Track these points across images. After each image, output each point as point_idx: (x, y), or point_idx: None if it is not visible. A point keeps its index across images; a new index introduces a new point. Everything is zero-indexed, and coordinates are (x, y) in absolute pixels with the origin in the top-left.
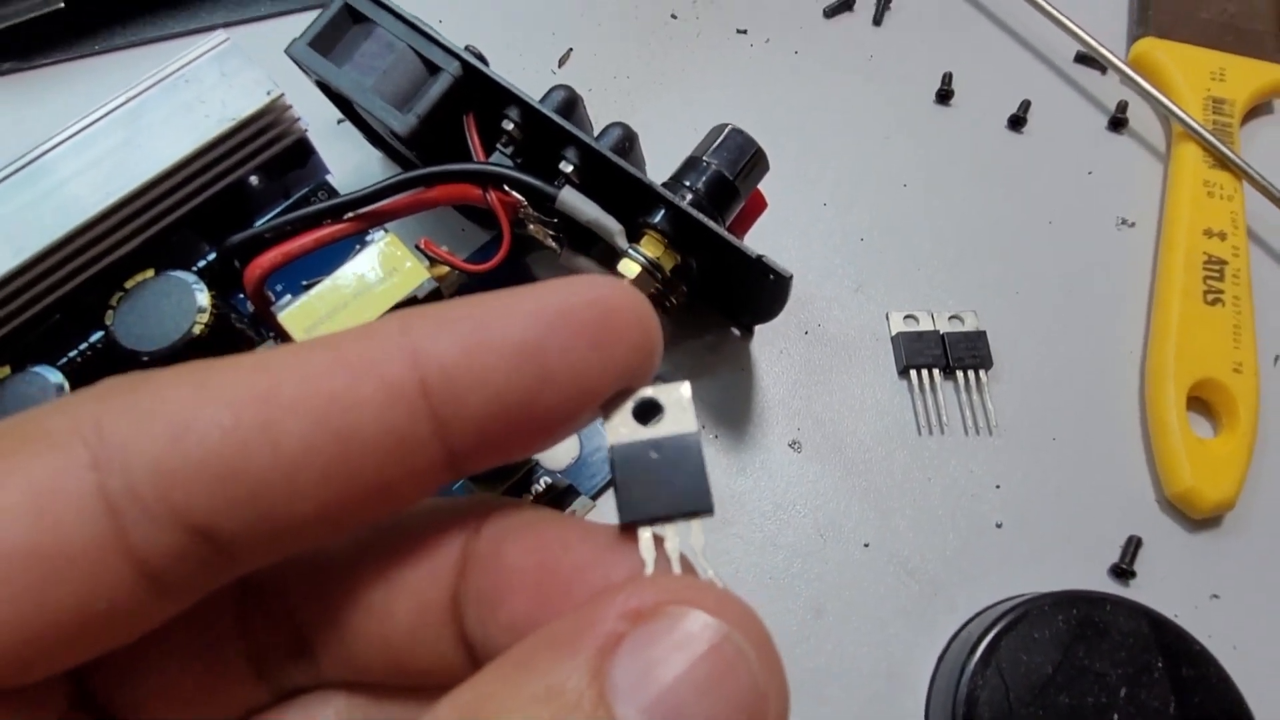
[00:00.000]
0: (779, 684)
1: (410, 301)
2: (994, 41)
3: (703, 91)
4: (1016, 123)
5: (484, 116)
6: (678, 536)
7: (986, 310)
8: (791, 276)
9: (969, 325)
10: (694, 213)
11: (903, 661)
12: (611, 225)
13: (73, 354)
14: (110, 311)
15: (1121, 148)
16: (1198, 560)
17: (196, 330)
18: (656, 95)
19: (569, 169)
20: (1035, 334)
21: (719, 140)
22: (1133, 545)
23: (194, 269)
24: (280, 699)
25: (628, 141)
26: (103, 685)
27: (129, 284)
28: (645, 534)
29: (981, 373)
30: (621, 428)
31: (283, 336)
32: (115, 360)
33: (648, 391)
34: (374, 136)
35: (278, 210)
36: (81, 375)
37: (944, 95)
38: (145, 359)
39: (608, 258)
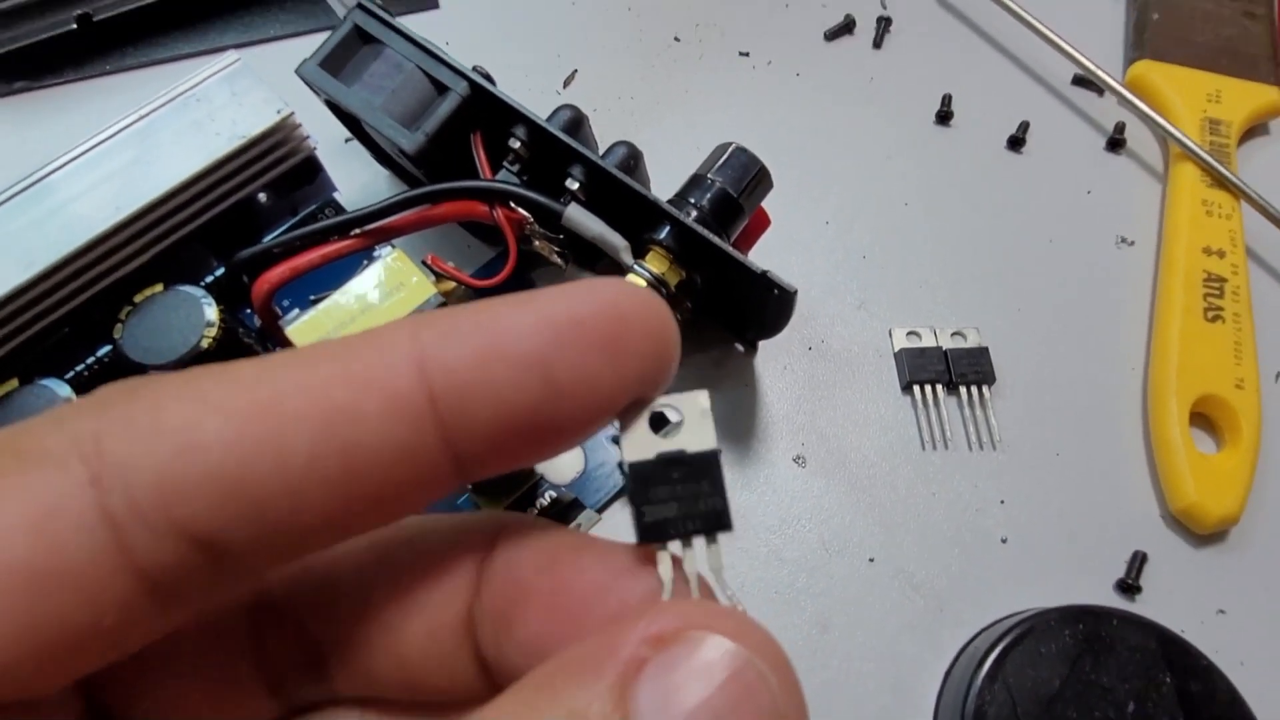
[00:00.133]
0: (799, 707)
1: None
2: (992, 64)
3: (705, 112)
4: (1015, 143)
5: (491, 135)
6: (695, 555)
7: (988, 327)
8: (796, 291)
9: (971, 341)
10: (699, 229)
11: (909, 677)
12: (617, 241)
13: (81, 367)
14: (119, 325)
15: (1120, 168)
16: (1203, 576)
17: (204, 344)
18: (660, 116)
19: (575, 186)
20: (1037, 350)
21: (723, 158)
22: (1138, 560)
23: (202, 284)
24: (292, 714)
25: (633, 160)
26: (116, 699)
27: (138, 298)
28: (664, 554)
29: (984, 388)
30: (638, 443)
31: None
32: (123, 374)
33: (665, 401)
34: (381, 155)
35: (285, 227)
36: (89, 389)
37: (944, 116)
38: (153, 373)
39: (613, 273)
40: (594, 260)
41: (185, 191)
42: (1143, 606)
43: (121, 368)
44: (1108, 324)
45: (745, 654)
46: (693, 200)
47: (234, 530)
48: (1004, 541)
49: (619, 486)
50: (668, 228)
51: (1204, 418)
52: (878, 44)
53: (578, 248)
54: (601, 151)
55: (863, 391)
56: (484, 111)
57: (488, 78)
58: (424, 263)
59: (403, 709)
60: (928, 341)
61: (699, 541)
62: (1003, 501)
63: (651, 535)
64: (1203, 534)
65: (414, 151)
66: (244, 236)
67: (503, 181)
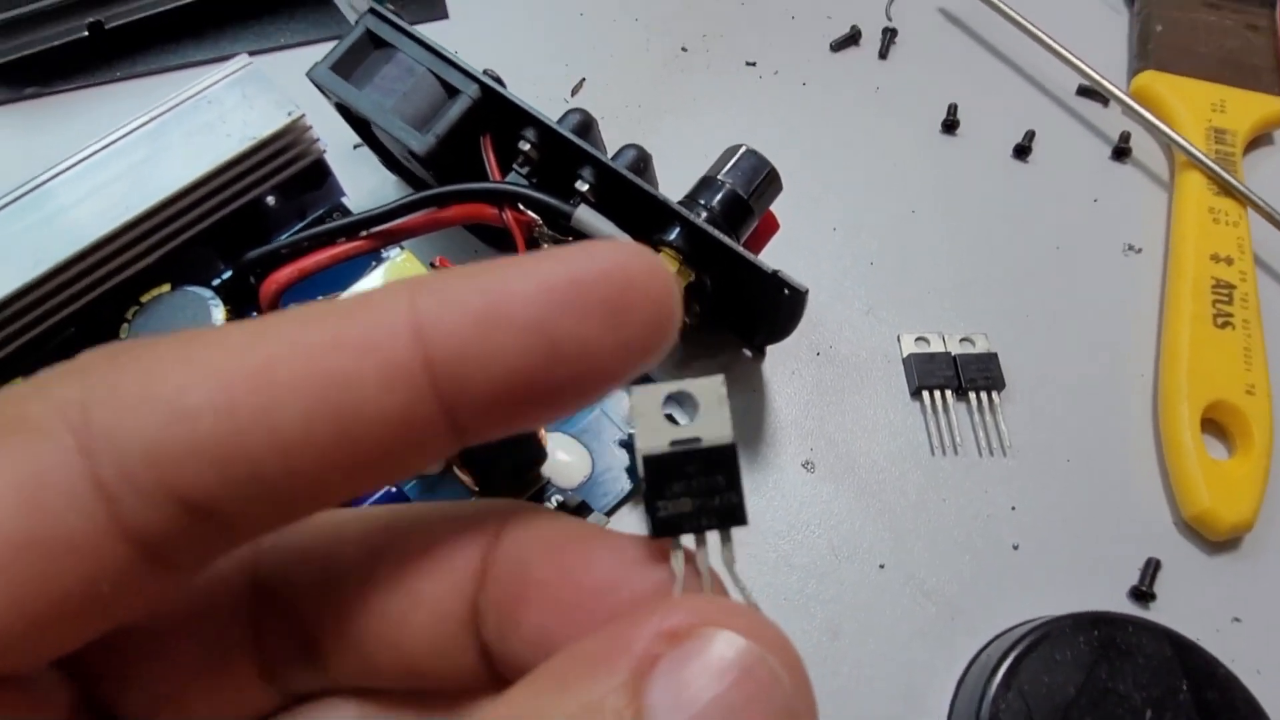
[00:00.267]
0: (810, 706)
1: None
2: (997, 74)
3: (712, 121)
4: (1021, 152)
5: (500, 138)
6: (708, 549)
7: (997, 333)
8: (807, 291)
9: (980, 347)
10: (710, 229)
11: (922, 684)
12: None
13: None
14: (125, 325)
15: (1125, 176)
16: (1217, 583)
17: None
18: (667, 124)
19: (584, 188)
20: (1047, 356)
21: (734, 160)
22: (1152, 567)
23: (210, 285)
24: (289, 704)
25: (642, 162)
26: (110, 690)
27: (145, 298)
28: (678, 548)
29: (994, 394)
30: (653, 430)
31: None
32: None
33: (681, 386)
34: (390, 160)
35: (294, 230)
36: None
37: (950, 125)
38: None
39: None
40: None
41: (195, 192)
42: (1157, 614)
43: None
44: (1116, 330)
45: (758, 651)
46: (703, 201)
47: (227, 495)
48: (1015, 548)
49: (627, 490)
50: (678, 229)
51: (1215, 424)
52: (883, 55)
53: None
54: (611, 155)
55: (871, 397)
56: (494, 114)
57: (498, 80)
58: (432, 265)
59: (401, 698)
60: (936, 347)
61: (713, 536)
62: (1014, 507)
63: (665, 530)
64: (1216, 541)
65: (424, 153)
66: (252, 239)
67: (511, 183)
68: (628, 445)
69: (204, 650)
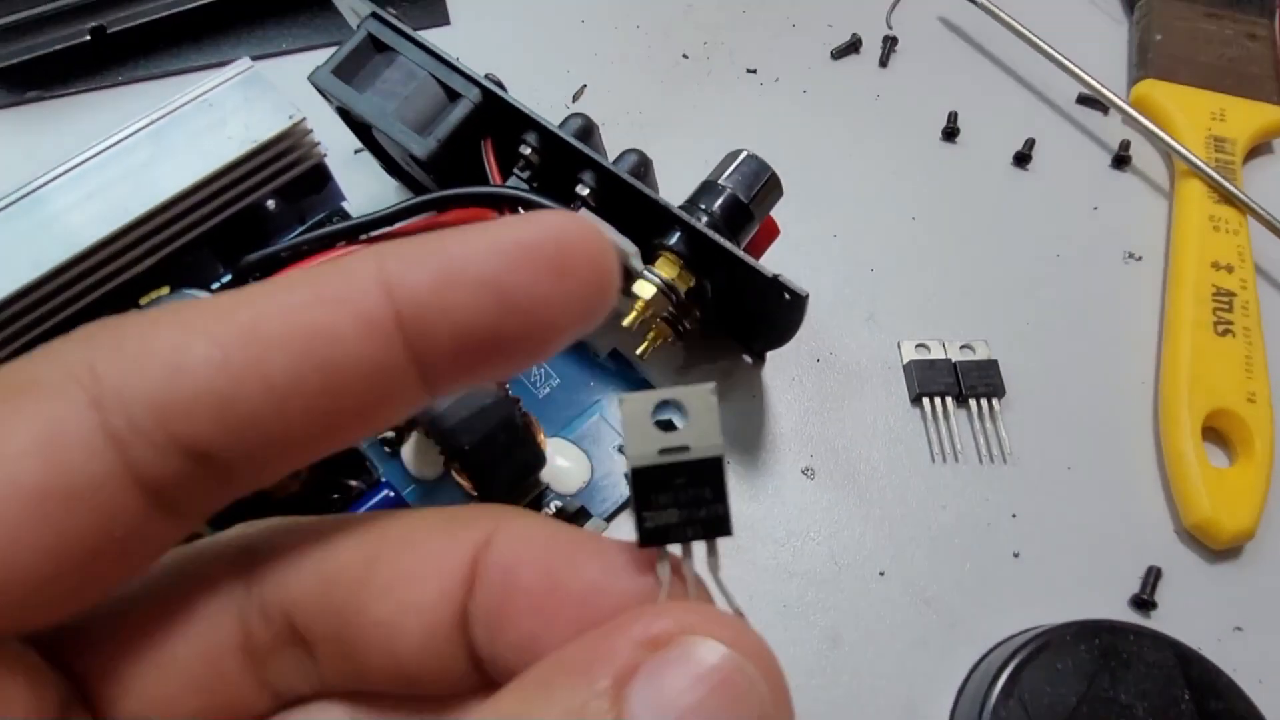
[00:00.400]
0: (786, 712)
1: None
2: (997, 83)
3: (713, 127)
4: (1022, 160)
5: (501, 142)
6: (695, 559)
7: (997, 340)
8: (807, 296)
9: (980, 354)
10: (710, 233)
11: (922, 692)
12: (627, 247)
13: None
14: None
15: (1125, 184)
16: (1219, 592)
17: None
18: (668, 130)
19: (585, 192)
20: (1047, 364)
21: (734, 165)
22: (1153, 576)
23: (209, 288)
24: (282, 707)
25: (643, 167)
26: (103, 689)
27: (144, 300)
28: (664, 556)
29: (994, 401)
30: (642, 438)
31: None
32: None
33: (671, 394)
34: (390, 165)
35: (293, 234)
36: None
37: (950, 133)
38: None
39: (623, 279)
40: None
41: (195, 195)
42: (1158, 623)
43: None
44: (1117, 338)
45: (737, 658)
46: (704, 206)
47: (225, 442)
48: (1016, 556)
49: (626, 496)
50: (678, 233)
51: (1216, 432)
52: (884, 63)
53: None
54: (611, 160)
55: (872, 403)
56: (495, 118)
57: (500, 85)
58: None
59: (392, 702)
60: (937, 354)
61: (699, 545)
62: (1014, 515)
63: (652, 540)
64: (1217, 549)
65: (426, 157)
66: (251, 243)
67: (511, 187)
68: (623, 437)
69: (196, 652)
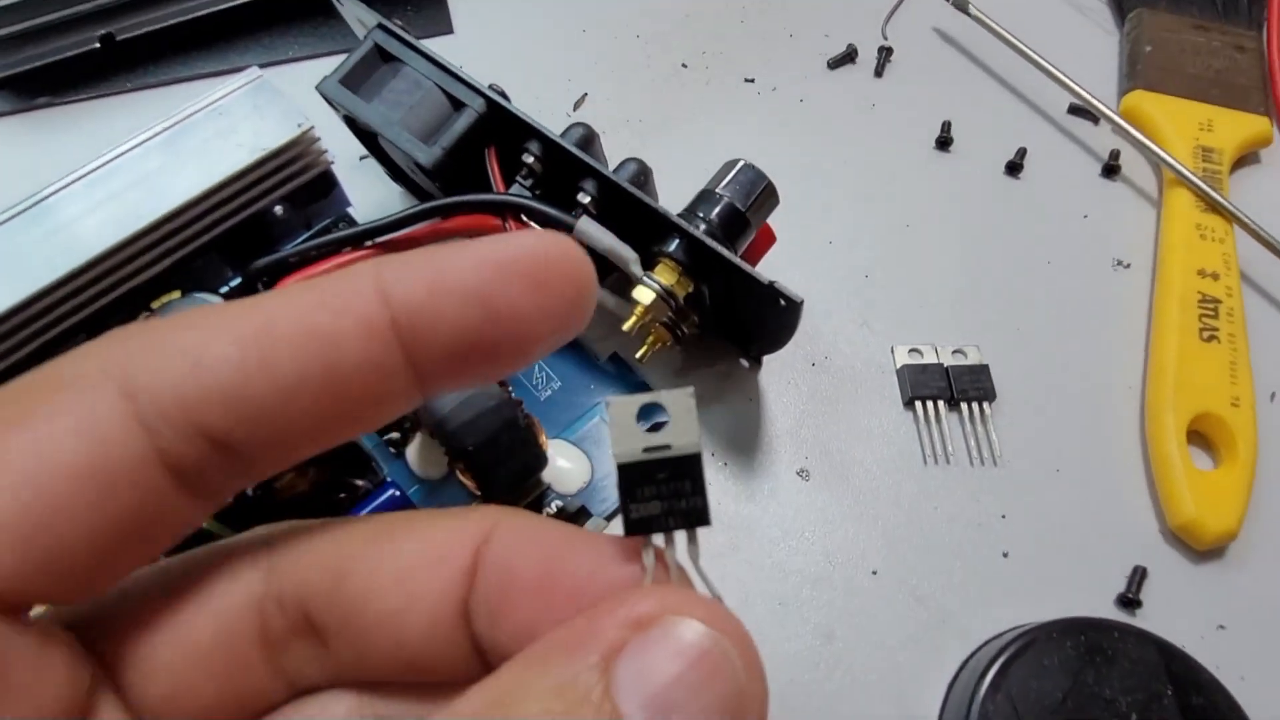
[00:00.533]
0: (759, 685)
1: None
2: (990, 93)
3: (711, 136)
4: (1014, 169)
5: (505, 150)
6: (677, 547)
7: (989, 345)
8: (802, 302)
9: (972, 359)
10: (708, 240)
11: (913, 688)
12: (627, 253)
13: None
14: None
15: (1115, 193)
16: (1203, 591)
17: None
18: (667, 138)
19: (586, 200)
20: (1037, 369)
21: (731, 174)
22: (1138, 575)
23: (219, 292)
24: (294, 696)
25: (643, 175)
26: (127, 676)
27: (155, 304)
28: (648, 545)
29: (985, 405)
30: (627, 437)
31: None
32: None
33: (654, 397)
34: (395, 171)
35: (301, 239)
36: None
37: (944, 142)
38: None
39: (623, 285)
40: (604, 273)
41: (206, 201)
42: (1143, 621)
43: None
44: (1105, 343)
45: (715, 636)
46: (701, 214)
47: (241, 431)
48: (1005, 555)
49: None
50: (677, 240)
51: (1201, 435)
52: (879, 73)
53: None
54: (612, 168)
55: (865, 407)
56: (498, 127)
57: (503, 95)
58: None
59: (399, 690)
60: (929, 359)
61: (681, 535)
62: (1004, 516)
63: (637, 529)
64: (1201, 550)
65: (431, 165)
66: (259, 248)
67: (514, 194)
68: (609, 436)
69: (216, 643)
